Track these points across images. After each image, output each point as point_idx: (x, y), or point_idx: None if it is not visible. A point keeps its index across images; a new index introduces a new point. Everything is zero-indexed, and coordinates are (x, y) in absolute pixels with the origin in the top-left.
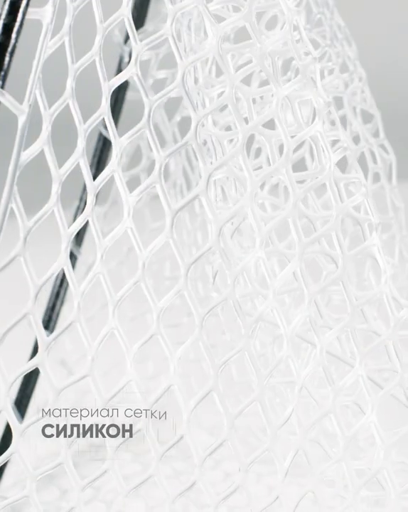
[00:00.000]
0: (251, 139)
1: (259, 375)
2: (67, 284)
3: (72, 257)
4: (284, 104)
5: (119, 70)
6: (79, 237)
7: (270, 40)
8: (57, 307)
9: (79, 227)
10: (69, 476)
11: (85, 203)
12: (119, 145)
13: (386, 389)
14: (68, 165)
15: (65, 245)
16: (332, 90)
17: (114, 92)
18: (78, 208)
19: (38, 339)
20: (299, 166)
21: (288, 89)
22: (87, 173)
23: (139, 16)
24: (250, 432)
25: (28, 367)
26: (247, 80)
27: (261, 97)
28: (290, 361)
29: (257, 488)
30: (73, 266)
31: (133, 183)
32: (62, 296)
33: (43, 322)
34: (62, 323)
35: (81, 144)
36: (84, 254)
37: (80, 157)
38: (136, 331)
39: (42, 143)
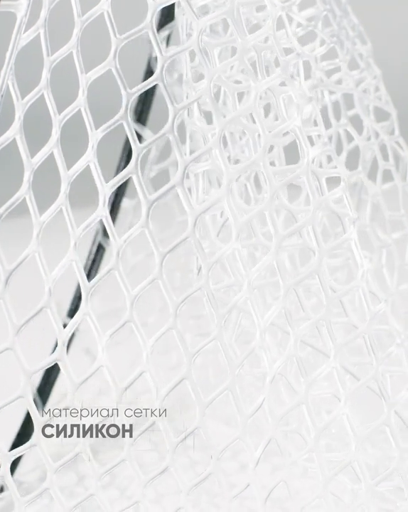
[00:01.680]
0: None
1: (231, 364)
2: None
3: (101, 249)
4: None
5: (148, 66)
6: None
7: (252, 35)
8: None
9: (53, 214)
10: (42, 458)
11: (114, 195)
12: (95, 137)
13: (360, 382)
14: (41, 154)
15: (37, 232)
16: (341, 87)
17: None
18: None
19: (8, 323)
20: None
21: (267, 84)
22: (61, 162)
23: (170, 10)
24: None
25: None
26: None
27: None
28: (262, 352)
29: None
30: (101, 257)
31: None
32: None
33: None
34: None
35: (55, 134)
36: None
37: (54, 147)
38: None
39: (14, 132)
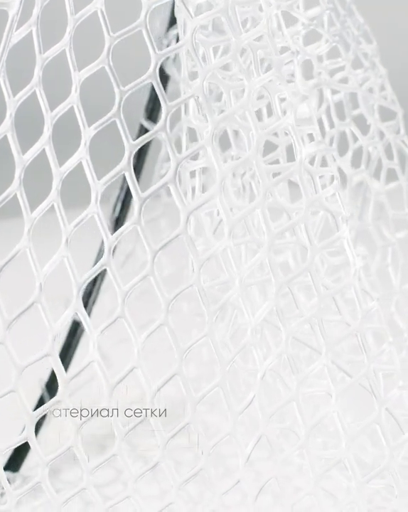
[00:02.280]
0: None
1: (222, 360)
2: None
3: None
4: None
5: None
6: (118, 226)
7: (246, 34)
8: (93, 295)
9: (44, 212)
10: (33, 451)
11: (125, 192)
12: (88, 134)
13: (352, 379)
14: (33, 151)
15: (28, 228)
16: (345, 86)
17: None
18: (118, 197)
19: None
20: None
21: (260, 83)
22: (52, 159)
23: None
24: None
25: None
26: None
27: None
28: (254, 349)
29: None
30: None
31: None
32: (98, 284)
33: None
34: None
35: (47, 131)
36: (123, 243)
37: (46, 144)
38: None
39: (5, 129)
